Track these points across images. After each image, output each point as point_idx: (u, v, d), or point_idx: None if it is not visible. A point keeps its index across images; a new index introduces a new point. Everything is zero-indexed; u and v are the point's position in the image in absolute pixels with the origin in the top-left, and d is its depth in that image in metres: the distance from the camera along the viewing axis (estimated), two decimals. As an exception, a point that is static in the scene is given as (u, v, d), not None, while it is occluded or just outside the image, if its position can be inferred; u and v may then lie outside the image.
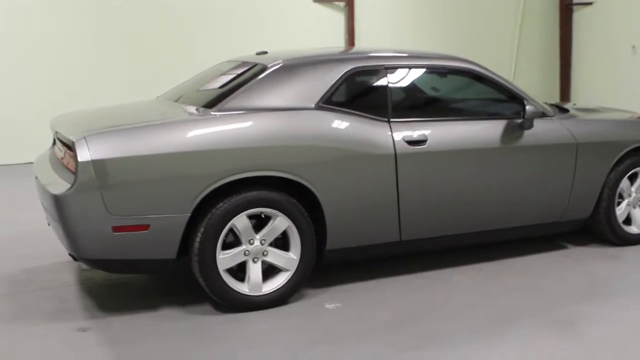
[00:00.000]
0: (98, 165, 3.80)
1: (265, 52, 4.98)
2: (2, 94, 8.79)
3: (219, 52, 7.78)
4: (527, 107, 4.67)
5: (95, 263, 4.01)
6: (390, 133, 4.40)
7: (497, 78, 4.87)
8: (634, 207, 5.39)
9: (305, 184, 4.18)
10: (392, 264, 4.90)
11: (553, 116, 5.00)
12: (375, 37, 10.26)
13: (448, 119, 4.68)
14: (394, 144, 4.38)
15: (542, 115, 4.91)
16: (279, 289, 4.22)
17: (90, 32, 9.04)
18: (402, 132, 4.43)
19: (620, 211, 5.30)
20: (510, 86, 4.89)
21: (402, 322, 4.01)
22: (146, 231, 3.91)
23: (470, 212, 4.72)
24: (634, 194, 5.37)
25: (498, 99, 4.93)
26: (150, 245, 3.95)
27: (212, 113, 4.17)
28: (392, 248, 4.60)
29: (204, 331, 3.93)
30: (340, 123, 4.30)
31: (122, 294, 4.53)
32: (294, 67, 4.44)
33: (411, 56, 4.82)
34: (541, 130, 4.85)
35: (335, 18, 10.12)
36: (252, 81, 4.35)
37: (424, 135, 4.48)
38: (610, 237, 5.32)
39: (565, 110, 5.37)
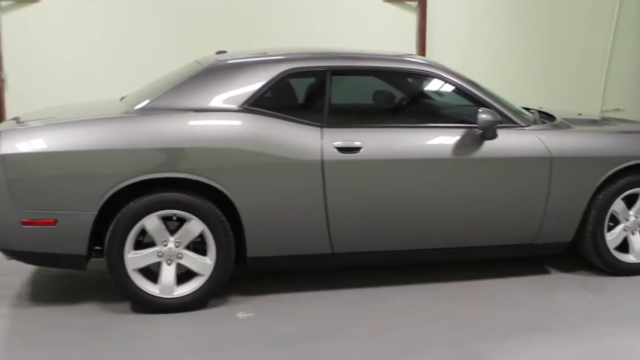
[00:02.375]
0: (7, 159, 3.91)
1: (224, 52, 4.89)
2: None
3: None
4: (480, 115, 4.24)
5: (10, 254, 4.12)
6: (320, 139, 4.17)
7: (460, 82, 4.46)
8: (633, 232, 4.76)
9: (220, 188, 4.06)
10: (336, 277, 4.67)
11: (525, 126, 4.51)
12: (449, 39, 9.77)
13: (391, 126, 4.34)
14: (322, 151, 4.15)
15: (511, 124, 4.46)
16: (191, 293, 4.14)
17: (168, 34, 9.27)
18: (334, 139, 4.18)
19: (613, 236, 4.69)
20: (475, 91, 4.47)
21: (301, 339, 3.79)
22: (54, 226, 3.97)
23: (415, 228, 4.36)
24: (632, 218, 4.73)
25: (459, 105, 4.53)
26: (58, 240, 4.00)
27: (131, 112, 4.16)
28: (325, 260, 4.36)
29: (106, 330, 3.92)
30: (265, 126, 4.13)
31: (62, 286, 4.62)
32: (224, 67, 4.32)
33: (360, 57, 4.50)
34: (506, 141, 4.39)
35: (407, 18, 9.72)
36: (181, 81, 4.29)
37: (359, 142, 4.20)
38: (598, 264, 4.73)
39: (553, 120, 4.84)
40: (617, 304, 4.31)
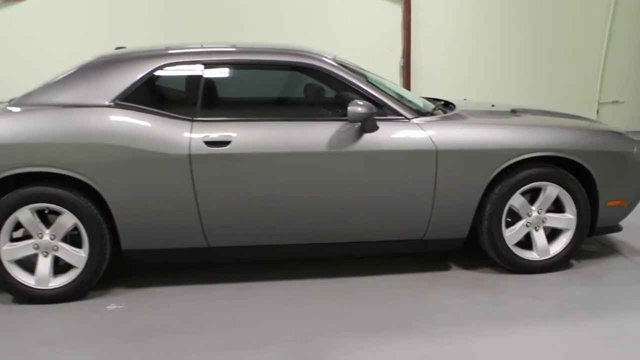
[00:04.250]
0: None
1: (124, 48, 4.94)
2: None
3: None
4: (350, 107, 4.14)
5: None
6: (189, 133, 4.16)
7: (339, 73, 4.36)
8: (536, 229, 4.56)
9: (89, 183, 4.12)
10: (218, 271, 4.69)
11: (410, 118, 4.37)
12: (435, 31, 9.58)
13: (265, 120, 4.25)
14: (189, 145, 4.14)
15: (395, 116, 4.34)
16: (66, 284, 4.23)
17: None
18: (204, 133, 4.17)
19: (512, 232, 4.50)
20: (356, 83, 4.36)
21: (153, 332, 3.81)
22: None
23: (290, 223, 4.30)
24: (534, 214, 4.53)
25: (341, 97, 4.43)
26: (-64, 231, 4.16)
27: (8, 108, 4.26)
28: (201, 254, 4.35)
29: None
30: (134, 121, 4.15)
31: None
32: (99, 63, 4.36)
33: (238, 51, 4.44)
34: (387, 133, 4.28)
35: (392, 11, 9.59)
36: (59, 77, 4.36)
37: (228, 136, 4.17)
38: (498, 261, 4.56)
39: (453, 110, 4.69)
40: (502, 304, 4.13)
